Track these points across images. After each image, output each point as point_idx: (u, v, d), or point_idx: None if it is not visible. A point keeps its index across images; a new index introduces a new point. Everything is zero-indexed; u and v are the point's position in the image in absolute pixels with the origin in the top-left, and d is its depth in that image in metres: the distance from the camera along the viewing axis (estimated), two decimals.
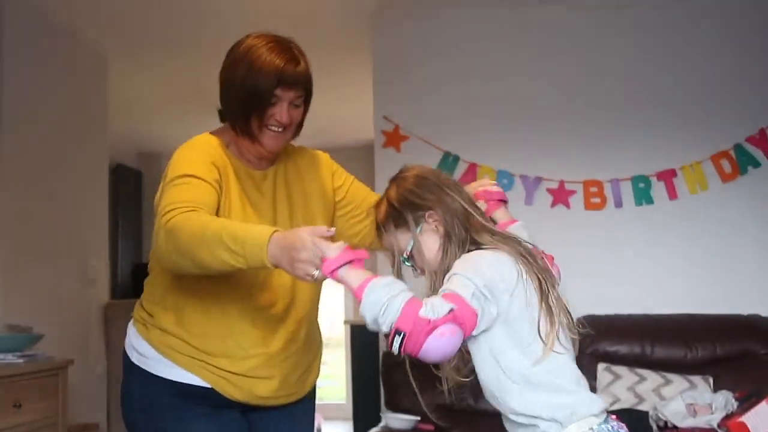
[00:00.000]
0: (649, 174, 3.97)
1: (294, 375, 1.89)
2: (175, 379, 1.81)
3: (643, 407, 3.29)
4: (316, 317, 2.00)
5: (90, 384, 4.16)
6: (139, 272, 6.54)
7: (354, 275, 1.44)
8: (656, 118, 4.03)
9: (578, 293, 3.92)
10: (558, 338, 1.52)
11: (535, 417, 1.49)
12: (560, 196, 4.01)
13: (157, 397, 1.82)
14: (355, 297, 1.43)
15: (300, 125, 1.89)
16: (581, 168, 4.03)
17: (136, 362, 1.84)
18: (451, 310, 1.39)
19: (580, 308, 3.76)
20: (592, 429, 1.48)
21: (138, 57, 4.85)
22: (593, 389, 3.44)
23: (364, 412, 4.70)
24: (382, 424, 3.35)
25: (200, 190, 1.73)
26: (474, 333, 1.45)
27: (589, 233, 3.99)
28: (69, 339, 3.97)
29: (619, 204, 3.97)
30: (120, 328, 4.40)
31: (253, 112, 1.80)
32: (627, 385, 3.39)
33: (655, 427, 3.19)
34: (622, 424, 1.54)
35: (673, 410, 3.17)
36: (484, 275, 1.47)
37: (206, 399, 1.81)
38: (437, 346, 1.37)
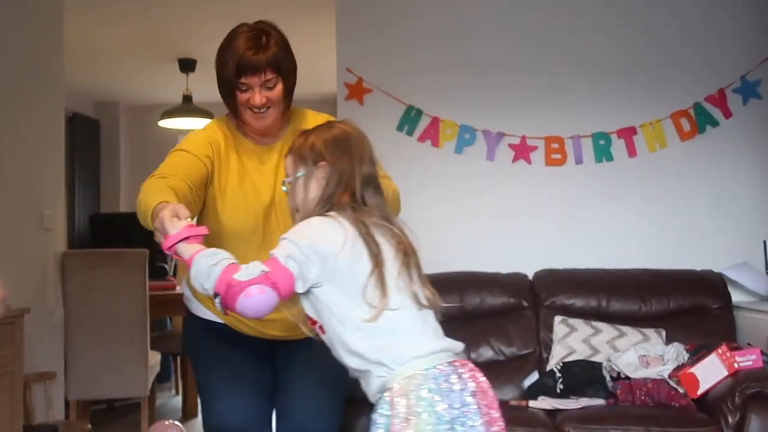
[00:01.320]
0: (610, 131, 4.01)
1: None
2: (202, 316, 2.20)
3: (597, 359, 3.37)
4: None
5: (47, 333, 4.12)
6: (97, 222, 6.46)
7: (188, 250, 1.65)
8: (617, 77, 4.06)
9: (537, 247, 4.02)
10: (406, 295, 1.66)
11: (365, 359, 1.64)
12: (522, 151, 4.03)
13: (193, 330, 2.25)
14: (189, 269, 1.64)
15: (286, 100, 2.06)
16: (543, 124, 4.05)
17: (184, 302, 2.26)
18: (264, 272, 1.58)
19: (539, 262, 3.84)
20: (419, 373, 1.59)
21: (94, 3, 4.72)
22: (550, 341, 3.53)
23: None
24: None
25: (184, 162, 1.99)
26: (299, 290, 1.63)
27: (550, 189, 4.03)
28: (25, 288, 3.92)
29: (579, 160, 4.01)
30: (77, 278, 4.39)
31: (230, 99, 2.04)
32: (582, 337, 3.46)
33: (608, 378, 3.27)
34: (462, 369, 1.65)
35: (626, 362, 3.24)
36: (309, 239, 1.63)
37: (228, 333, 2.14)
38: (247, 304, 1.57)
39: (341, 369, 1.74)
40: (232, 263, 1.62)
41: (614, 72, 4.06)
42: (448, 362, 1.65)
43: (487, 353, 3.57)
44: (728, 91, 3.98)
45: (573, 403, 3.17)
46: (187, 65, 5.95)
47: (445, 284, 3.66)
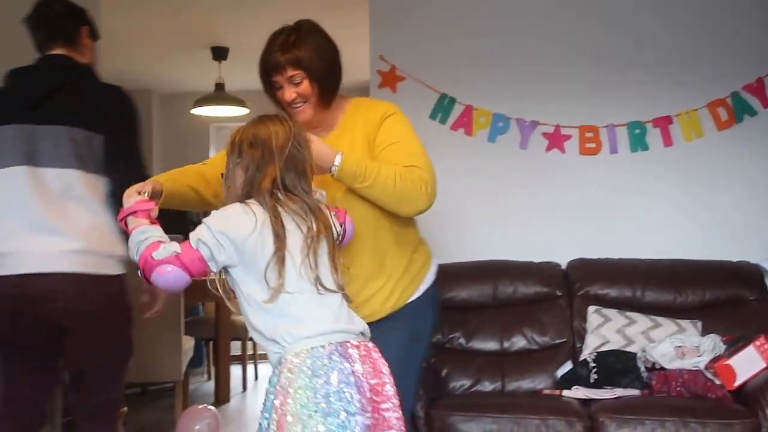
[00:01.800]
0: (645, 120, 3.97)
1: (357, 300, 2.04)
2: None
3: (632, 349, 3.35)
4: (386, 249, 2.22)
5: None
6: None
7: (131, 223, 1.87)
8: (654, 65, 4.02)
9: (571, 237, 4.00)
10: (307, 280, 1.82)
11: (263, 336, 1.84)
12: (556, 140, 4.01)
13: None
14: None
15: (322, 94, 2.14)
16: (578, 113, 4.02)
17: None
18: (175, 253, 1.79)
19: (572, 252, 3.82)
20: (305, 351, 1.77)
21: None
22: (584, 330, 3.52)
23: None
24: None
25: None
26: (213, 269, 1.83)
27: (583, 178, 4.00)
28: None
29: (614, 150, 3.98)
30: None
31: (271, 98, 2.24)
32: (617, 328, 3.45)
33: (642, 368, 3.25)
34: (353, 350, 1.80)
35: (662, 352, 3.23)
36: (222, 225, 1.80)
37: None
38: (159, 280, 1.80)
39: (409, 348, 2.17)
40: (156, 241, 1.82)
41: (650, 60, 4.02)
42: (339, 342, 1.80)
43: (519, 342, 3.56)
44: (766, 80, 3.92)
45: (607, 393, 3.16)
46: (219, 53, 5.98)
47: (477, 273, 3.69)
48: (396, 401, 1.84)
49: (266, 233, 1.80)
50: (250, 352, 6.48)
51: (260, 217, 1.81)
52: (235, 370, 6.15)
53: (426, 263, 2.37)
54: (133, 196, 1.91)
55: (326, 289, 1.84)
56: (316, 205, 1.89)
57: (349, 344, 1.82)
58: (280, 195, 1.84)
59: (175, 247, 1.81)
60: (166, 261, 1.79)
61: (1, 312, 2.29)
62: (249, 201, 1.84)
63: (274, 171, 1.84)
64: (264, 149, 1.85)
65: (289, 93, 2.15)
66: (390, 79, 4.14)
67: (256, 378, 6.66)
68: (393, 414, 1.83)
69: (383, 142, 2.18)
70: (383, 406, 1.81)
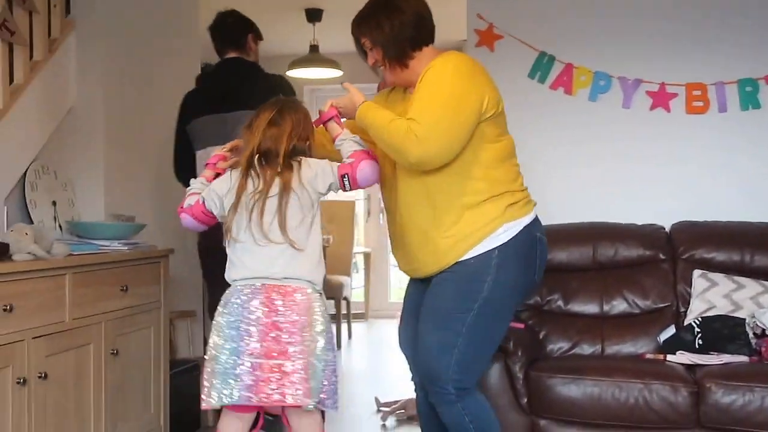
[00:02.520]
0: (757, 77, 3.79)
1: (409, 254, 2.44)
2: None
3: (739, 315, 3.23)
4: (437, 206, 2.34)
5: (188, 274, 4.32)
6: None
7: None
8: (766, 18, 3.81)
9: (675, 199, 3.87)
10: (251, 233, 2.33)
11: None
12: (660, 99, 3.87)
13: None
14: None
15: (388, 59, 2.39)
16: (684, 70, 3.86)
17: None
18: (189, 206, 2.52)
19: (677, 214, 3.70)
20: (229, 290, 2.38)
21: None
22: (688, 295, 3.42)
23: None
24: None
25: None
26: (218, 218, 2.46)
27: (690, 138, 3.86)
28: (168, 230, 4.11)
29: (723, 108, 3.81)
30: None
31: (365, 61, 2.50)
32: (723, 293, 3.33)
33: (751, 334, 3.14)
34: (263, 293, 2.31)
35: None
36: (214, 185, 2.45)
37: None
38: (182, 222, 2.55)
39: (464, 304, 2.31)
40: (192, 193, 2.51)
41: (761, 14, 3.81)
42: (256, 286, 2.31)
43: (621, 305, 3.49)
44: None
45: (714, 358, 3.07)
46: (314, 15, 6.00)
47: (577, 235, 3.63)
48: (297, 339, 2.27)
49: (232, 192, 2.37)
50: (344, 311, 6.59)
51: (235, 180, 2.38)
52: None
53: (486, 225, 2.32)
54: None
55: (268, 240, 2.30)
56: (274, 172, 2.32)
57: (264, 287, 2.31)
58: (255, 164, 2.36)
59: (192, 200, 2.48)
60: (185, 210, 2.49)
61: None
62: (236, 168, 2.43)
63: (250, 148, 2.37)
64: (249, 131, 2.40)
65: (369, 58, 2.45)
66: (487, 38, 4.07)
67: (350, 337, 6.76)
68: (287, 346, 2.26)
69: (413, 96, 2.34)
70: (284, 338, 2.27)
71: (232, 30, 3.49)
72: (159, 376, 3.38)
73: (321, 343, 2.31)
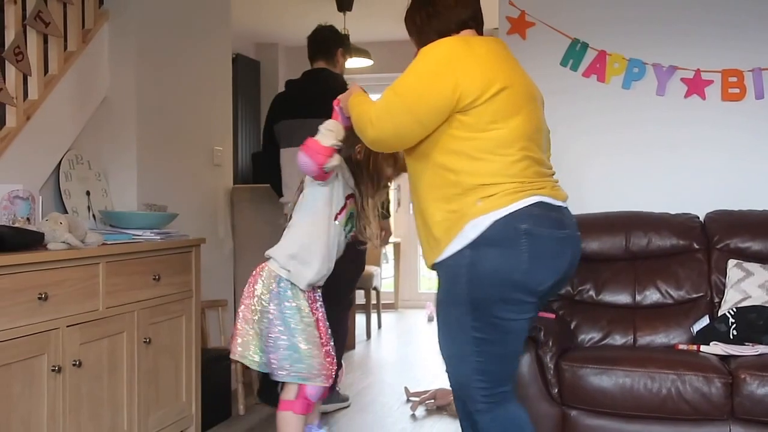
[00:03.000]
0: None
1: (420, 242, 2.41)
2: None
3: None
4: (420, 198, 2.32)
5: (218, 263, 4.36)
6: (257, 160, 6.71)
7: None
8: None
9: (709, 188, 3.81)
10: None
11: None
12: (696, 86, 3.81)
13: None
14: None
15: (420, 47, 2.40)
16: (720, 57, 3.79)
17: None
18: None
19: (711, 203, 3.65)
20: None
21: None
22: (722, 285, 3.37)
23: None
24: None
25: None
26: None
27: (725, 126, 3.79)
28: (199, 220, 4.15)
29: (760, 95, 3.74)
30: (244, 212, 4.59)
31: None
32: (759, 282, 3.28)
33: None
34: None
35: None
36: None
37: None
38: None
39: (456, 308, 2.23)
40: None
41: None
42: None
43: (653, 296, 3.45)
44: None
45: (749, 349, 3.03)
46: (344, 4, 5.98)
47: (609, 224, 3.59)
48: (246, 303, 2.64)
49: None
50: (374, 301, 6.60)
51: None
52: (360, 319, 6.27)
53: (456, 224, 2.20)
54: None
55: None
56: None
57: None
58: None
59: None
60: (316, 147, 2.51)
61: None
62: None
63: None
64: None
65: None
66: (519, 25, 4.03)
67: (380, 327, 6.78)
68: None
69: None
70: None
71: (325, 42, 4.01)
72: (191, 365, 3.41)
73: (257, 315, 2.60)
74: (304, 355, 2.55)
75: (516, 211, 2.15)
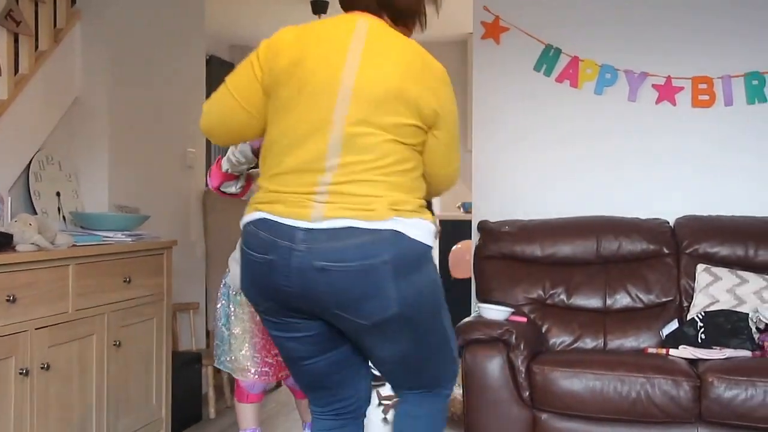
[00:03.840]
0: (764, 71, 3.76)
1: None
2: None
3: (743, 309, 3.22)
4: None
5: (190, 266, 4.33)
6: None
7: None
8: None
9: (679, 193, 3.86)
10: None
11: None
12: (666, 92, 3.85)
13: None
14: None
15: None
16: (690, 64, 3.84)
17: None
18: None
19: (681, 208, 3.69)
20: None
21: None
22: (691, 289, 3.41)
23: (454, 304, 4.75)
24: (474, 314, 3.39)
25: None
26: None
27: (695, 132, 3.83)
28: (171, 222, 4.12)
29: (729, 102, 3.79)
30: (217, 215, 4.56)
31: None
32: (727, 287, 3.32)
33: (754, 329, 3.13)
34: None
35: None
36: None
37: None
38: None
39: None
40: None
41: None
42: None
43: (623, 300, 3.49)
44: None
45: (716, 353, 3.06)
46: (319, 7, 5.98)
47: (580, 229, 3.63)
48: None
49: None
50: None
51: None
52: None
53: None
54: None
55: None
56: None
57: None
58: None
59: None
60: None
61: None
62: None
63: None
64: None
65: None
66: (493, 30, 4.05)
67: None
68: None
69: None
70: None
71: None
72: (161, 368, 3.38)
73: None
74: (232, 348, 2.82)
75: (245, 225, 1.99)
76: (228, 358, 2.84)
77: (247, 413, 2.90)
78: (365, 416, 2.25)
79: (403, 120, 1.89)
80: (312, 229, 1.83)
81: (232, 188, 2.72)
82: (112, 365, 3.03)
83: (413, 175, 1.95)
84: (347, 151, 1.86)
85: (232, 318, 2.83)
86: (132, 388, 3.17)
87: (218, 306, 2.90)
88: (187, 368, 3.74)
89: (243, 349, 2.81)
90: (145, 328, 3.26)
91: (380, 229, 1.83)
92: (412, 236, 1.87)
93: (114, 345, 3.02)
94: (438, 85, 1.96)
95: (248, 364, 2.80)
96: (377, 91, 1.87)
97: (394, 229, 1.84)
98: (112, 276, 3.04)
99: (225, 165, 2.62)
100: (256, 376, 2.81)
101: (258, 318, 2.68)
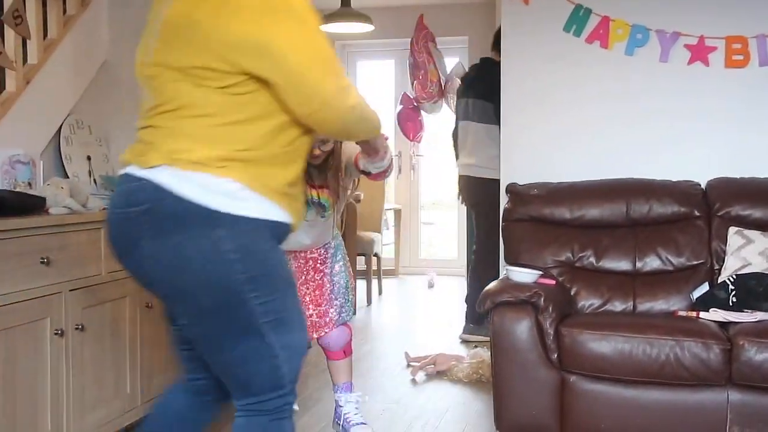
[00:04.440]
0: None
1: None
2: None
3: None
4: None
5: None
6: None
7: None
8: None
9: (711, 155, 3.81)
10: None
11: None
12: (699, 52, 3.78)
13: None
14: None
15: None
16: (724, 23, 3.75)
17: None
18: None
19: (713, 170, 3.64)
20: None
21: None
22: (722, 252, 3.38)
23: (483, 266, 4.76)
24: (503, 277, 3.39)
25: None
26: None
27: (729, 93, 3.76)
28: None
29: (764, 62, 3.69)
30: None
31: None
32: (759, 250, 3.28)
33: None
34: None
35: None
36: None
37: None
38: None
39: None
40: None
41: None
42: None
43: (653, 263, 3.46)
44: None
45: (748, 316, 3.04)
46: None
47: (609, 191, 3.60)
48: None
49: None
50: (374, 267, 6.61)
51: None
52: (361, 285, 6.30)
53: None
54: None
55: None
56: None
57: None
58: None
59: None
60: None
61: None
62: None
63: None
64: None
65: None
66: None
67: (380, 293, 6.80)
68: None
69: None
70: None
71: (497, 37, 4.64)
72: None
73: None
74: None
75: None
76: None
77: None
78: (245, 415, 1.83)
79: (196, 61, 1.69)
80: (137, 177, 1.74)
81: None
82: (145, 327, 3.07)
83: (213, 122, 1.71)
84: (149, 94, 1.79)
85: None
86: (164, 350, 3.22)
87: None
88: None
89: None
90: None
91: (143, 178, 1.70)
92: (177, 190, 1.67)
93: (147, 307, 3.06)
94: (254, 17, 1.68)
95: None
96: (171, 27, 1.73)
97: (156, 179, 1.69)
98: None
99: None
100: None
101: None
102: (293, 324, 1.82)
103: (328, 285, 3.08)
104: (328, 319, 3.07)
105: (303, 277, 3.05)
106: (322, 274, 3.09)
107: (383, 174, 2.72)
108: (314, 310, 3.05)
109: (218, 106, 1.70)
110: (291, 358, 1.81)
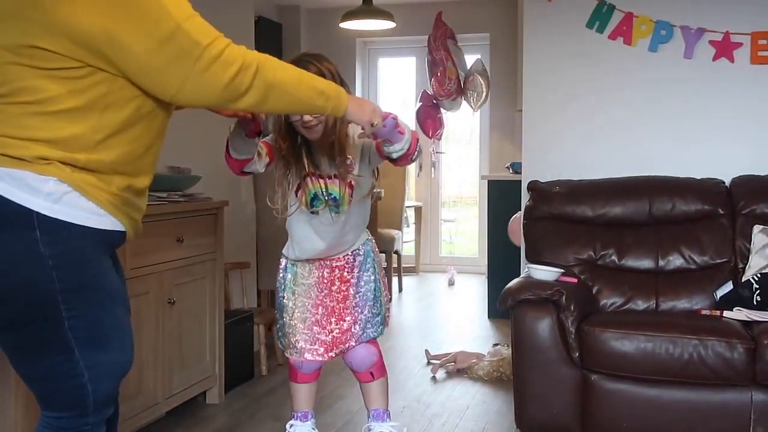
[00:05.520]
0: None
1: None
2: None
3: None
4: None
5: (241, 225, 4.38)
6: None
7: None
8: None
9: (736, 152, 3.76)
10: None
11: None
12: (724, 49, 3.74)
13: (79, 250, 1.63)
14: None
15: None
16: (749, 19, 3.71)
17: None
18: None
19: (737, 168, 3.60)
20: None
21: None
22: (747, 251, 3.34)
23: (503, 265, 4.74)
24: (524, 275, 3.37)
25: None
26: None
27: (754, 89, 3.72)
28: (222, 182, 4.15)
29: None
30: (267, 175, 4.58)
31: None
32: None
33: None
34: None
35: None
36: None
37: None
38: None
39: None
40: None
41: None
42: None
43: (676, 261, 3.43)
44: None
45: None
46: None
47: (632, 189, 3.57)
48: None
49: None
50: (395, 265, 6.61)
51: None
52: None
53: None
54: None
55: None
56: None
57: None
58: None
59: None
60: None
61: None
62: None
63: None
64: None
65: None
66: None
67: (401, 290, 6.80)
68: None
69: None
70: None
71: None
72: (214, 326, 3.45)
73: None
74: (285, 322, 2.72)
75: None
76: (281, 333, 2.72)
77: (298, 394, 2.72)
78: None
79: (21, 39, 1.53)
80: None
81: (255, 167, 2.60)
82: (167, 323, 3.09)
83: (43, 109, 1.55)
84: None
85: (288, 290, 2.71)
86: (186, 345, 3.24)
87: (279, 276, 2.76)
88: (238, 326, 3.80)
89: (294, 323, 2.67)
90: (198, 287, 3.32)
91: None
92: None
93: (168, 303, 3.08)
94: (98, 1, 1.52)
95: (295, 339, 2.66)
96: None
97: None
98: (166, 236, 3.09)
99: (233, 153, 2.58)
100: (303, 354, 2.65)
101: (314, 293, 2.66)
102: (110, 342, 1.66)
103: (352, 296, 2.67)
104: (349, 335, 2.67)
105: (327, 290, 2.67)
106: (348, 284, 2.67)
107: (407, 158, 2.36)
108: (336, 325, 2.66)
109: (52, 91, 1.54)
110: (100, 379, 1.65)
